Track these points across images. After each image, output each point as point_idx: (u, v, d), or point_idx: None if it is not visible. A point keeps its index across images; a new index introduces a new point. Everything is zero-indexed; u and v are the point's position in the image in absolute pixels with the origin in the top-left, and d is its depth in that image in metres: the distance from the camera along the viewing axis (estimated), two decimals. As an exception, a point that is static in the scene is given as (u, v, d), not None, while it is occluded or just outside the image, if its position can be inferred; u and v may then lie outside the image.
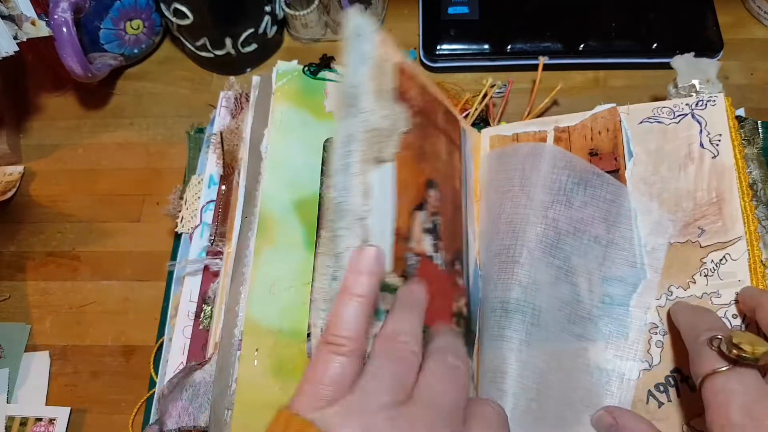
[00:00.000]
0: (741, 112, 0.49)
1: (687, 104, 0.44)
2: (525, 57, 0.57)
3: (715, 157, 0.41)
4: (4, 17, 0.48)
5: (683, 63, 0.48)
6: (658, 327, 0.39)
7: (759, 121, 0.46)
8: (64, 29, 0.50)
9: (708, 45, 0.56)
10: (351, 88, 0.35)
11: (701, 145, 0.42)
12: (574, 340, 0.40)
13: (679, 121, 0.43)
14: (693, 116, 0.43)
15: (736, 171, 0.41)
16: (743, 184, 0.40)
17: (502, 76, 0.56)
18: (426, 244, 0.38)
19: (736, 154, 0.41)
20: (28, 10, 0.49)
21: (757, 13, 0.59)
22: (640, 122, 0.44)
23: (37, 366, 0.49)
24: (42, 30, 0.49)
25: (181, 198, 0.50)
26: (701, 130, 0.42)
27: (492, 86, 0.54)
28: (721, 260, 0.39)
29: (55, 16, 0.50)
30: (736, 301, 0.38)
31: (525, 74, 0.56)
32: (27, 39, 0.49)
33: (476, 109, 0.53)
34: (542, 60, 0.54)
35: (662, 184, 0.42)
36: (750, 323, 0.37)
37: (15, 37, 0.48)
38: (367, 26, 0.37)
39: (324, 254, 0.34)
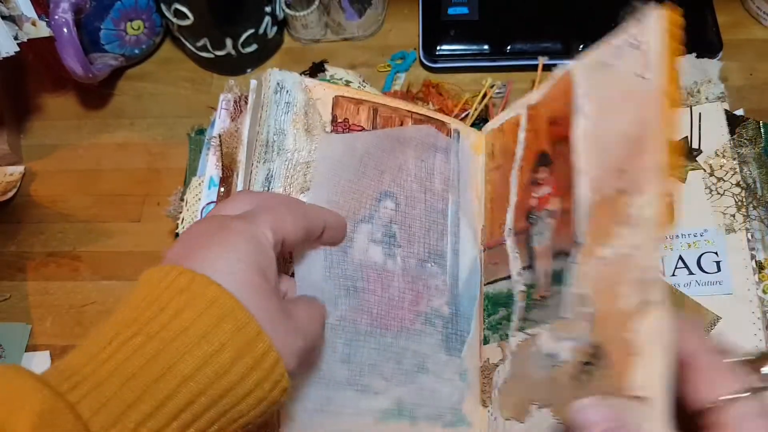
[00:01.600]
0: (740, 112, 0.49)
1: (627, 34, 0.36)
2: (524, 57, 0.57)
3: (647, 82, 0.34)
4: (4, 17, 0.48)
5: (685, 63, 0.48)
6: (587, 299, 0.34)
7: (761, 122, 0.46)
8: (65, 30, 0.50)
9: (707, 45, 0.56)
10: (275, 135, 0.41)
11: (641, 75, 0.34)
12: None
13: (623, 58, 0.36)
14: (631, 45, 0.35)
15: (663, 96, 0.32)
16: (669, 114, 0.32)
17: (502, 77, 0.56)
18: (372, 253, 0.41)
19: (670, 75, 0.33)
20: (29, 11, 0.49)
21: (756, 14, 0.59)
22: (592, 73, 0.39)
23: (38, 366, 0.49)
24: (42, 30, 0.49)
25: (182, 199, 0.51)
26: (641, 58, 0.35)
27: (491, 86, 0.54)
28: (641, 207, 0.31)
29: (56, 17, 0.50)
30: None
31: (524, 74, 0.56)
32: (27, 39, 0.49)
33: (476, 110, 0.53)
34: (542, 60, 0.54)
35: (606, 135, 0.36)
36: None
37: (15, 38, 0.48)
38: (289, 79, 0.42)
39: None
